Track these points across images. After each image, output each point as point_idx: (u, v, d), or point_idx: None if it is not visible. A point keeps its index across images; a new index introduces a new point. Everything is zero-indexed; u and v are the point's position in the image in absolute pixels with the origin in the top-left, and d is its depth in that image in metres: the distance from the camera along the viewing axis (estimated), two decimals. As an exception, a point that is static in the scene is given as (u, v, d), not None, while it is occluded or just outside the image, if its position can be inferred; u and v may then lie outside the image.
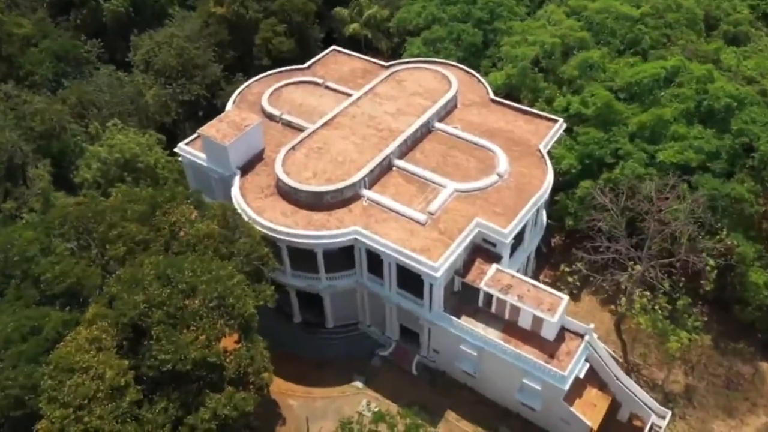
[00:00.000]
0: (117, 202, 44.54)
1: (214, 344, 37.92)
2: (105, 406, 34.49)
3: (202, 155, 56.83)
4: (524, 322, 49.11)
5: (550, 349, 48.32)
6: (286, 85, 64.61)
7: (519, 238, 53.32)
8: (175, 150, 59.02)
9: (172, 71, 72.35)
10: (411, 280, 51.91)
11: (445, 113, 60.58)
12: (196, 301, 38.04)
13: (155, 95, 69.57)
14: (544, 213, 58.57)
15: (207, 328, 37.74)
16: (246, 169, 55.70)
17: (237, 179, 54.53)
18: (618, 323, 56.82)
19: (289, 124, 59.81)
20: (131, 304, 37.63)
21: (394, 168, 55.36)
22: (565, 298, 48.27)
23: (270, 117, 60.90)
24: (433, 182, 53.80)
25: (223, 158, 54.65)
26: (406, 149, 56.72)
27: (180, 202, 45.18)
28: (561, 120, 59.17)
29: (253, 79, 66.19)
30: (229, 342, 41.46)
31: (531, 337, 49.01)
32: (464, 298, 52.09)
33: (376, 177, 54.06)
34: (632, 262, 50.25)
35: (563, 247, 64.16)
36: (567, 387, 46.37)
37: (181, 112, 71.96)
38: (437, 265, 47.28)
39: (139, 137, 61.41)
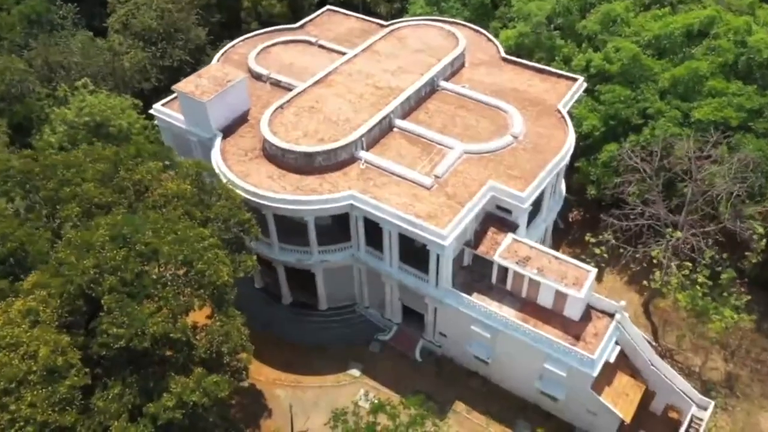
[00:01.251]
0: (72, 158, 37.85)
1: (179, 318, 31.26)
2: (38, 391, 27.84)
3: (180, 116, 50.27)
4: (545, 300, 42.51)
5: (575, 330, 41.74)
6: (275, 44, 58.09)
7: (536, 207, 46.76)
8: (150, 112, 52.41)
9: (152, 34, 66.01)
10: (415, 253, 45.42)
11: (451, 72, 54.14)
12: (158, 267, 31.31)
13: (133, 58, 63.01)
14: (563, 182, 52.06)
15: (171, 298, 31.18)
16: (229, 131, 49.20)
17: (218, 141, 47.98)
18: (647, 303, 50.19)
19: (277, 84, 53.28)
20: (80, 270, 31.00)
21: (395, 129, 48.82)
22: (593, 270, 41.68)
23: (257, 77, 54.44)
24: (439, 143, 47.28)
25: (203, 118, 48.07)
26: (408, 109, 50.19)
27: (147, 159, 38.41)
28: (581, 78, 52.70)
29: (240, 39, 59.65)
30: (200, 317, 34.87)
31: (552, 317, 42.44)
32: (475, 275, 45.53)
33: (374, 138, 47.53)
34: (670, 229, 43.57)
35: (582, 222, 57.63)
36: (596, 373, 39.76)
37: (162, 79, 65.34)
38: (445, 232, 40.70)
39: (112, 99, 54.76)
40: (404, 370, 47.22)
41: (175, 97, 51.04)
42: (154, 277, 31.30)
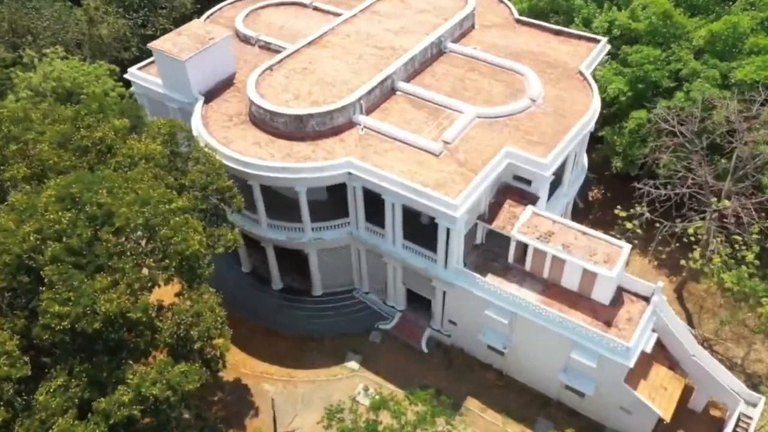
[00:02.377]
0: (20, 111, 32.19)
1: (140, 295, 25.55)
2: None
3: (158, 80, 44.65)
4: (570, 281, 36.86)
5: (605, 315, 36.08)
6: (266, 6, 52.51)
7: (557, 180, 41.12)
8: (126, 76, 46.78)
9: (133, 1, 60.23)
10: (421, 229, 40.06)
11: (460, 33, 48.57)
12: (113, 233, 25.62)
13: (111, 26, 57.25)
14: (584, 154, 46.43)
15: (129, 270, 25.44)
16: (212, 95, 43.63)
17: (199, 105, 42.35)
18: (680, 288, 44.53)
19: (267, 47, 47.70)
20: (20, 237, 25.31)
21: (398, 92, 43.21)
22: (626, 246, 36.03)
23: (245, 40, 48.92)
24: (448, 107, 41.66)
25: (182, 80, 42.46)
26: (413, 71, 44.58)
27: (112, 117, 32.76)
28: (604, 39, 47.13)
29: (227, 2, 54.03)
30: (168, 295, 29.19)
31: (579, 300, 36.80)
32: (489, 254, 39.92)
33: (375, 101, 41.92)
34: (715, 199, 37.86)
35: (603, 201, 51.96)
36: (632, 363, 34.07)
37: (144, 49, 59.35)
38: (457, 202, 35.06)
39: (84, 66, 49.11)
40: (409, 362, 41.57)
41: (153, 61, 45.41)
42: (109, 245, 25.46)
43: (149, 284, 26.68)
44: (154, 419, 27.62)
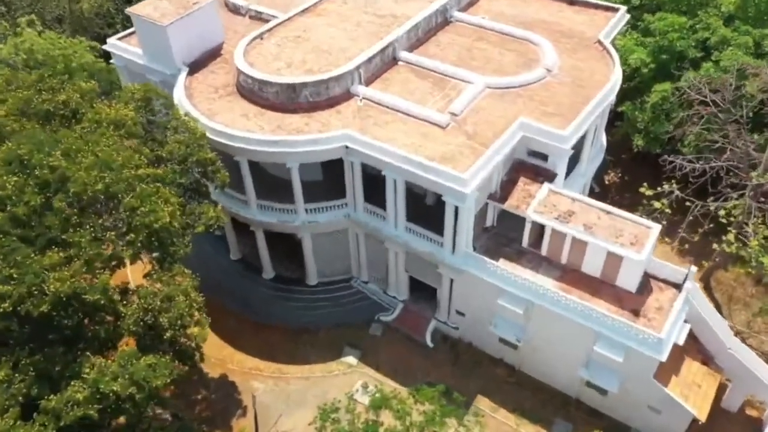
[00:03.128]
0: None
1: (99, 274, 21.59)
2: None
3: (139, 51, 40.73)
4: (592, 266, 32.95)
5: (631, 303, 32.16)
6: (258, -25, 48.43)
7: (575, 158, 37.12)
8: (105, 47, 42.84)
9: (117, -26, 56.26)
10: (426, 210, 36.21)
11: (467, 3, 44.76)
12: (68, 201, 21.66)
13: (94, 1, 53.32)
14: (603, 133, 42.47)
15: (86, 245, 21.48)
16: (197, 66, 39.70)
17: (182, 76, 38.43)
18: (708, 276, 40.61)
19: (258, 17, 43.78)
20: (-41, 206, 21.40)
21: (400, 62, 39.26)
22: (655, 227, 32.12)
23: (235, 10, 45.01)
24: (455, 77, 37.74)
25: (164, 48, 38.56)
26: (416, 40, 40.67)
27: (79, 79, 28.84)
28: (623, 8, 43.24)
29: (217, -28, 49.89)
30: (138, 275, 25.24)
31: (602, 288, 32.91)
32: (501, 238, 35.98)
33: (375, 71, 38.03)
34: (756, 172, 33.93)
35: (620, 185, 48.04)
36: (665, 356, 30.10)
37: (129, 26, 55.38)
38: (466, 176, 31.10)
39: (61, 39, 45.12)
40: (412, 357, 37.63)
41: (135, 32, 41.51)
42: (63, 215, 21.49)
43: (112, 262, 22.71)
44: (126, 419, 23.70)
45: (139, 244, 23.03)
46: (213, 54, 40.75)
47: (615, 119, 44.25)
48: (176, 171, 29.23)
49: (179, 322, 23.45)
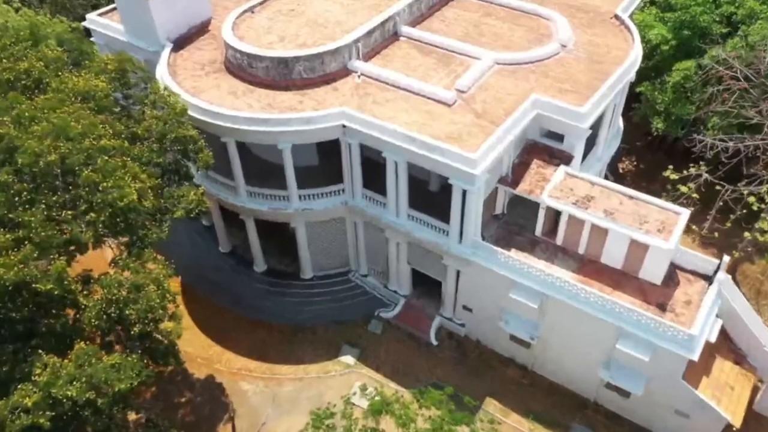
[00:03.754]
0: None
1: (53, 260, 18.44)
2: None
3: (120, 27, 37.60)
4: (613, 256, 29.84)
5: (657, 296, 29.06)
6: (251, -49, 45.26)
7: (591, 141, 33.99)
8: (84, 23, 39.69)
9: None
10: (430, 197, 33.22)
11: (473, -24, 41.38)
12: (17, 174, 18.52)
13: (78, -21, 50.14)
14: (620, 117, 39.33)
15: (38, 226, 18.33)
16: (182, 42, 36.54)
17: (166, 52, 35.29)
18: (733, 269, 37.45)
19: (250, -8, 40.33)
20: None
21: (401, 37, 36.13)
22: (684, 212, 29.00)
23: (224, -14, 41.55)
24: (461, 53, 34.63)
25: (146, 22, 35.43)
26: (419, 15, 37.60)
27: (44, 47, 25.68)
28: (641, -18, 40.13)
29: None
30: (101, 261, 22.13)
31: (623, 280, 29.81)
32: (512, 226, 32.86)
33: (374, 47, 34.92)
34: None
35: (636, 173, 44.93)
36: (696, 355, 26.96)
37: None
38: (475, 156, 27.96)
39: (39, 16, 42.03)
40: (415, 356, 34.52)
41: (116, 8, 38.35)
42: (12, 190, 18.35)
43: (70, 247, 19.55)
44: (90, 427, 20.57)
45: (100, 226, 19.89)
46: (200, 30, 37.66)
47: (631, 102, 41.06)
48: (153, 150, 26.03)
49: (149, 315, 20.31)
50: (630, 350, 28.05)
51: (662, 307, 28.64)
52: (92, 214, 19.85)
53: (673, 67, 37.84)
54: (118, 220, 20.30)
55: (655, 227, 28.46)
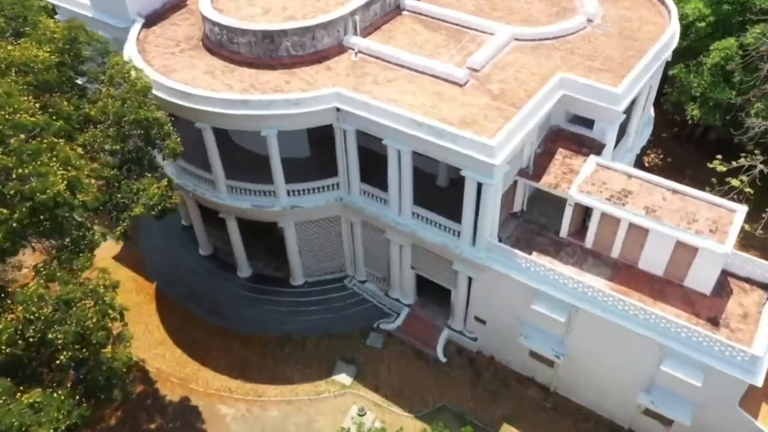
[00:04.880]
0: None
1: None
2: None
3: (87, 1, 33.07)
4: (653, 261, 25.31)
5: (707, 309, 24.50)
6: None
7: (622, 128, 29.32)
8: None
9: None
10: (438, 193, 28.66)
11: (484, -53, 36.80)
12: None
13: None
14: (651, 106, 34.78)
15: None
16: (156, 17, 31.97)
17: (135, 28, 30.73)
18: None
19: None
20: None
21: (405, 11, 31.55)
22: (740, 209, 24.43)
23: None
24: (473, 28, 30.05)
25: (115, -6, 30.89)
26: (423, -13, 32.88)
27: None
28: (672, -48, 35.46)
29: None
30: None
31: (665, 289, 25.28)
32: (532, 226, 28.29)
33: (373, 21, 30.37)
34: None
35: (663, 167, 40.37)
36: (760, 380, 22.37)
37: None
38: (494, 143, 23.36)
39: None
40: (420, 375, 29.92)
41: (85, -20, 33.74)
42: None
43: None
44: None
45: (13, 225, 15.27)
46: (177, 4, 33.11)
47: (660, 88, 36.50)
48: (108, 135, 21.40)
49: (85, 339, 15.69)
50: (677, 372, 23.49)
51: (714, 322, 24.09)
52: (3, 210, 15.26)
53: (711, 47, 33.25)
54: (42, 217, 15.72)
55: (707, 227, 23.90)
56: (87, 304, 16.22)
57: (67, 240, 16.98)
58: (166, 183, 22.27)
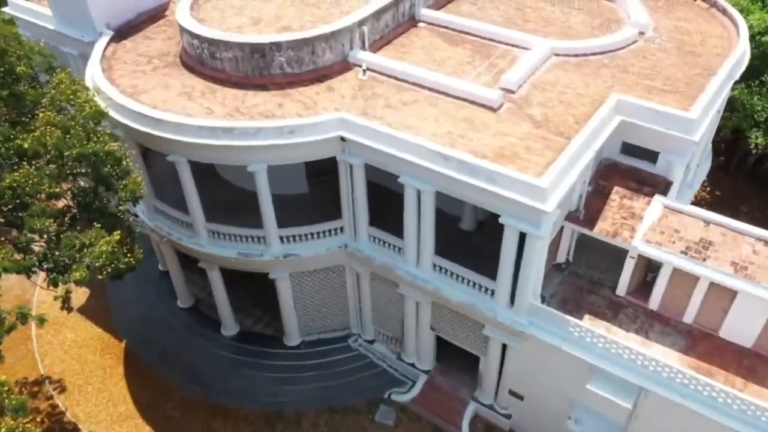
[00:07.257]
0: None
1: None
2: None
3: (48, 12, 28.08)
4: (739, 330, 19.91)
5: (815, 393, 18.89)
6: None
7: (680, 160, 24.02)
8: (5, 9, 29.97)
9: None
10: (463, 236, 23.20)
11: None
12: None
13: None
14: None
15: None
16: (128, 30, 26.86)
17: (101, 43, 25.61)
18: None
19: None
20: None
21: (421, 23, 26.41)
22: None
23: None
24: (504, 42, 24.87)
25: (78, 4, 25.82)
26: (442, -4, 27.91)
27: None
28: (726, -42, 30.56)
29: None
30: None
31: (758, 366, 19.73)
32: (581, 280, 22.81)
33: (385, 34, 25.24)
34: None
35: (712, 201, 35.10)
36: None
37: None
38: (544, 184, 17.97)
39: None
40: (441, 461, 24.20)
41: (47, -13, 28.79)
42: None
43: None
44: None
45: None
46: (153, 16, 28.08)
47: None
48: (45, 174, 16.02)
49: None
50: (783, 481, 17.84)
51: (827, 412, 18.48)
52: None
53: (778, 64, 28.18)
54: None
55: (814, 289, 18.47)
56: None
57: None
58: (118, 236, 16.81)
